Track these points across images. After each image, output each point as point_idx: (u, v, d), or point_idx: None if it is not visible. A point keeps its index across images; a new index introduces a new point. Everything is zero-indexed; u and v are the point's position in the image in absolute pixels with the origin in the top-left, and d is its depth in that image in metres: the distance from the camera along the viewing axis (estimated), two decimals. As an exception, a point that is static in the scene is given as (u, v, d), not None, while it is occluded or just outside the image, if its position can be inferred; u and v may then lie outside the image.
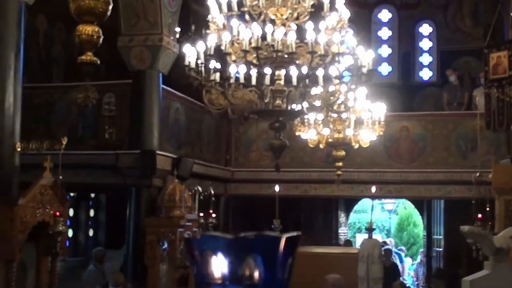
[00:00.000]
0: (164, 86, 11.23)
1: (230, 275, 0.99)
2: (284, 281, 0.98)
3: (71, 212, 14.26)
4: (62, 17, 13.36)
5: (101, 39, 4.58)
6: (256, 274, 0.95)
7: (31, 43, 12.17)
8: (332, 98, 5.74)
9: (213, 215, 10.14)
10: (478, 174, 10.05)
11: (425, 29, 17.30)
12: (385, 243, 17.28)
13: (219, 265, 0.98)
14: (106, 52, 9.39)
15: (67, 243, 8.71)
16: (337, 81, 5.82)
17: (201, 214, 10.22)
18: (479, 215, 8.57)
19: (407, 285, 11.30)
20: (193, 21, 11.59)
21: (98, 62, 4.56)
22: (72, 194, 14.23)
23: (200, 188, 10.45)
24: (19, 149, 6.92)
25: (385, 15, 17.49)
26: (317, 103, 5.63)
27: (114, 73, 11.82)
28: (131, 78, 11.03)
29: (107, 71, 13.16)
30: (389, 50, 17.50)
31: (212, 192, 10.43)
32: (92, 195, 16.13)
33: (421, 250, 18.85)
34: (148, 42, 10.89)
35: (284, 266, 1.03)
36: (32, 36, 12.65)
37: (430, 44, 17.31)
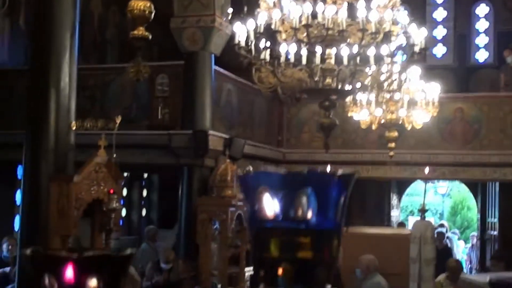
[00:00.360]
0: (217, 67, 11.29)
1: (282, 211, 0.99)
2: (337, 221, 0.97)
3: (124, 192, 14.50)
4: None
5: (152, 15, 4.65)
6: (308, 210, 0.95)
7: (86, 26, 12.39)
8: (383, 77, 5.70)
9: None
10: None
11: (482, 9, 16.94)
12: (442, 225, 17.12)
13: (272, 201, 0.98)
14: (159, 34, 9.49)
15: (121, 222, 8.89)
16: (388, 60, 5.77)
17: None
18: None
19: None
20: (246, 2, 11.59)
21: (150, 37, 4.63)
22: (125, 174, 14.46)
23: (251, 168, 10.50)
24: (74, 128, 7.09)
25: (440, -5, 17.19)
26: (368, 81, 5.60)
27: (167, 56, 11.93)
28: (184, 59, 11.12)
29: (160, 53, 13.33)
30: (444, 32, 17.21)
31: (264, 172, 10.47)
32: (145, 175, 16.37)
33: (472, 234, 18.59)
34: (200, 24, 10.94)
35: (336, 205, 1.03)
36: (87, 19, 12.87)
37: (486, 24, 16.96)
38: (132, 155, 10.76)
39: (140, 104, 11.28)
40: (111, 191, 7.04)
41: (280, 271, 0.90)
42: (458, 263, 9.25)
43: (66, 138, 7.05)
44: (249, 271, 10.88)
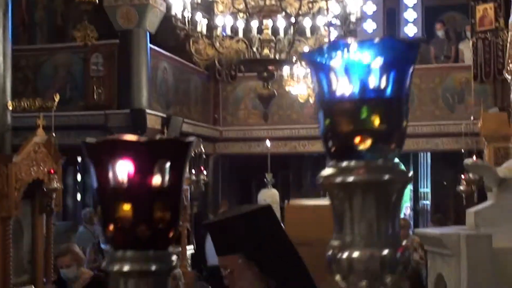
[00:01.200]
0: (152, 46, 11.22)
1: (352, 83, 0.95)
2: (407, 90, 0.95)
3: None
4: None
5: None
6: (380, 80, 0.93)
7: (14, 8, 12.07)
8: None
9: (205, 172, 10.23)
10: (472, 118, 10.21)
11: (409, -16, 17.29)
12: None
13: (342, 74, 0.93)
14: (92, 12, 9.36)
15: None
16: (325, 31, 5.88)
17: (193, 171, 10.29)
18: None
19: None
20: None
21: (97, 1, 4.60)
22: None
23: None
24: (10, 108, 6.97)
25: (369, -29, 17.43)
26: (306, 49, 5.68)
27: (101, 35, 11.75)
28: (118, 38, 11.00)
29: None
30: (374, 7, 17.48)
31: (203, 150, 10.49)
32: (79, 159, 16.11)
33: (406, 205, 19.06)
34: (134, 1, 10.83)
35: (406, 74, 1.00)
36: (15, 0, 12.55)
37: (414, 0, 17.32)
38: (67, 137, 10.57)
39: (74, 85, 11.12)
40: (52, 171, 6.96)
41: (356, 141, 0.90)
42: (406, 221, 9.91)
43: (2, 118, 6.93)
44: (190, 249, 10.92)
